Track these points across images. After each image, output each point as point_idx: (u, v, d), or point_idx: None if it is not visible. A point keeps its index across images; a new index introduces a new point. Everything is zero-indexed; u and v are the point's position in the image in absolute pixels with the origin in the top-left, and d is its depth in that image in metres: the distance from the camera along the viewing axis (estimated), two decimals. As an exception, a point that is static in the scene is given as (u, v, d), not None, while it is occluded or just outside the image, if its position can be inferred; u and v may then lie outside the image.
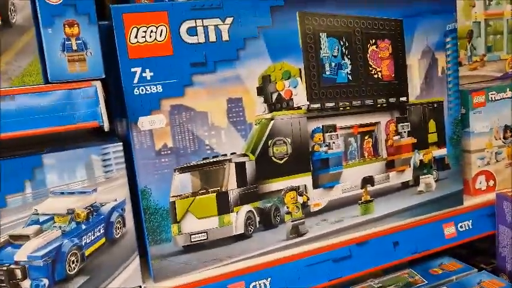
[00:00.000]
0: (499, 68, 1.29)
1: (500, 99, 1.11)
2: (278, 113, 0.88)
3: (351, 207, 0.96)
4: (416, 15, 0.97)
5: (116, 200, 0.79)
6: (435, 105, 1.01)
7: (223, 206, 0.85)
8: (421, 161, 1.01)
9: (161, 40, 0.79)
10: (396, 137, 0.99)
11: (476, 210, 1.07)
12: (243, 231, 0.87)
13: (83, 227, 0.77)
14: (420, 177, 1.02)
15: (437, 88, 1.01)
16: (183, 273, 0.84)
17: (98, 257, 0.79)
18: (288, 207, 0.90)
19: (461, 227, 1.05)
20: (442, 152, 1.04)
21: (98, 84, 0.72)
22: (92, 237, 0.79)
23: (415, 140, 1.01)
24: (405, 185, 1.01)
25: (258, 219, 0.88)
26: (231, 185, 0.86)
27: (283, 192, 0.89)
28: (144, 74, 0.78)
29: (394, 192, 1.00)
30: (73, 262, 0.76)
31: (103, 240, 0.79)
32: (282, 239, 0.91)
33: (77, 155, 0.75)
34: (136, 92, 0.78)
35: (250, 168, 0.87)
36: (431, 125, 1.02)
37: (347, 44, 0.92)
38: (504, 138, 1.14)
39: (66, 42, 0.71)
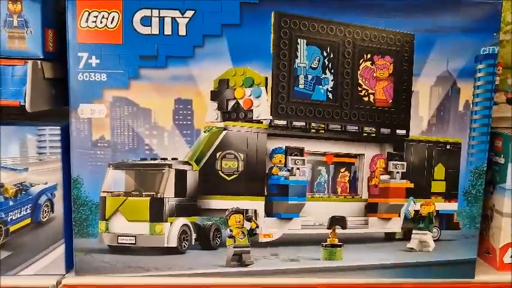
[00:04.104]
0: None
1: (560, 154, 0.83)
2: (232, 123, 0.78)
3: (312, 247, 0.81)
4: (437, 30, 0.77)
5: (46, 184, 0.78)
6: (448, 147, 0.80)
7: (157, 214, 0.79)
8: (416, 211, 0.81)
9: (112, 27, 0.74)
10: (385, 177, 0.80)
11: (492, 290, 0.82)
12: (175, 245, 0.79)
13: (10, 203, 0.78)
14: (413, 231, 0.82)
15: (455, 126, 0.79)
16: (105, 273, 0.79)
17: (23, 236, 0.79)
18: (231, 231, 0.79)
19: (463, 306, 0.82)
20: (451, 206, 0.82)
21: (30, 64, 0.71)
22: (18, 215, 0.79)
23: (411, 185, 0.81)
24: (390, 237, 0.82)
25: (194, 236, 0.80)
26: (167, 192, 0.78)
27: (227, 212, 0.79)
28: (90, 61, 0.75)
29: (372, 243, 0.82)
30: (-3, 235, 0.77)
31: (28, 220, 0.79)
32: (220, 264, 0.80)
33: (13, 131, 0.76)
34: (80, 77, 0.75)
35: (191, 178, 0.78)
36: (439, 170, 0.81)
37: (331, 56, 0.77)
38: (559, 206, 0.85)
39: (8, 19, 0.71)
